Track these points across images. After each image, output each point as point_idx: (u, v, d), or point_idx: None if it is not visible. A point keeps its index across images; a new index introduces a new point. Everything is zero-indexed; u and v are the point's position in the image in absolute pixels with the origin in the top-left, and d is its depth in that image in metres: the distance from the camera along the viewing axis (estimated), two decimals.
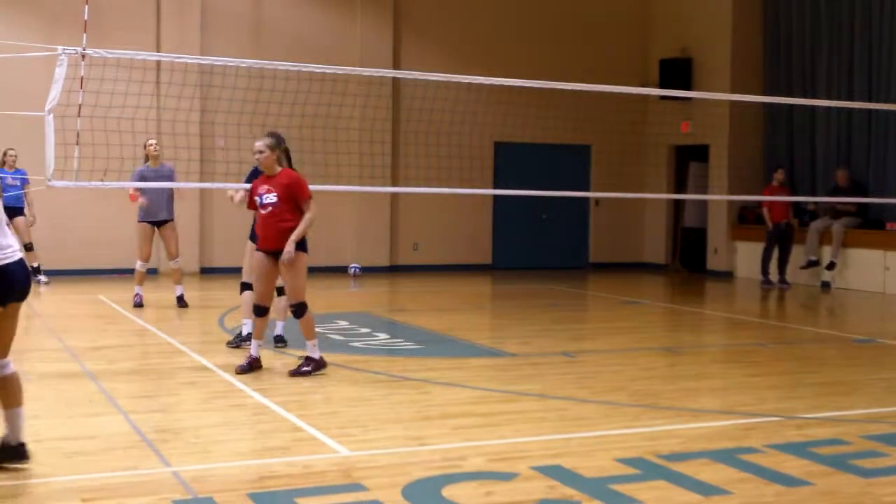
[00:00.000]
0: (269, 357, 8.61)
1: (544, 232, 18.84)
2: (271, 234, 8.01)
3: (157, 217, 12.09)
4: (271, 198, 8.00)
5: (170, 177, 12.01)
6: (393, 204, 17.61)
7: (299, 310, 8.07)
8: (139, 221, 12.13)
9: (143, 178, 11.72)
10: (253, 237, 8.82)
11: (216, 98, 14.46)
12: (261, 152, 8.04)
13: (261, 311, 8.17)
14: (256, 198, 8.09)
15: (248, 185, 8.60)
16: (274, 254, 8.05)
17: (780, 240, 16.09)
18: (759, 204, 16.40)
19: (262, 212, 8.05)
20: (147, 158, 11.97)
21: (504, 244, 18.60)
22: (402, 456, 5.69)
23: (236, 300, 9.91)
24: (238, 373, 7.96)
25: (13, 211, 13.63)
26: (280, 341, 9.21)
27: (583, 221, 19.23)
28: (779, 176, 16.17)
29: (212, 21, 16.32)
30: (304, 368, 8.04)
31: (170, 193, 12.13)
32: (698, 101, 17.31)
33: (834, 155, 16.57)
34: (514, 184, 16.16)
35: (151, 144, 12.01)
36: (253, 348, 8.17)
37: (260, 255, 8.13)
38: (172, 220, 12.22)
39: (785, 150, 17.47)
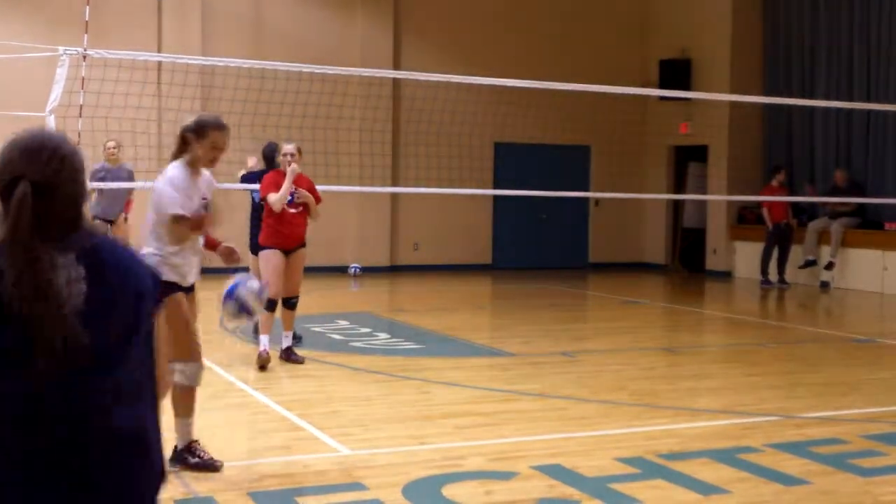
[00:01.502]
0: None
1: (544, 232, 18.83)
2: (296, 234, 8.41)
3: (110, 216, 12.26)
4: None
5: (128, 178, 12.12)
6: (393, 204, 17.61)
7: (297, 302, 8.54)
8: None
9: (100, 178, 11.80)
10: (256, 249, 8.87)
11: (217, 99, 14.47)
12: (292, 155, 8.30)
13: (274, 305, 8.38)
14: (287, 196, 8.32)
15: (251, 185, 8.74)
16: (290, 252, 8.37)
17: (780, 240, 16.10)
18: (759, 204, 16.42)
19: (293, 210, 8.32)
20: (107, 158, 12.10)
21: (504, 244, 18.60)
22: (403, 455, 5.71)
23: None
24: (261, 367, 8.14)
25: None
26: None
27: (583, 221, 19.23)
28: (780, 177, 16.15)
29: (212, 22, 16.32)
30: (299, 355, 8.56)
31: (122, 193, 12.31)
32: (698, 102, 17.30)
33: (833, 155, 16.58)
34: (514, 184, 16.19)
35: (110, 147, 12.11)
36: (265, 343, 8.30)
37: (276, 252, 8.34)
38: (118, 218, 12.36)
39: (784, 150, 17.47)
